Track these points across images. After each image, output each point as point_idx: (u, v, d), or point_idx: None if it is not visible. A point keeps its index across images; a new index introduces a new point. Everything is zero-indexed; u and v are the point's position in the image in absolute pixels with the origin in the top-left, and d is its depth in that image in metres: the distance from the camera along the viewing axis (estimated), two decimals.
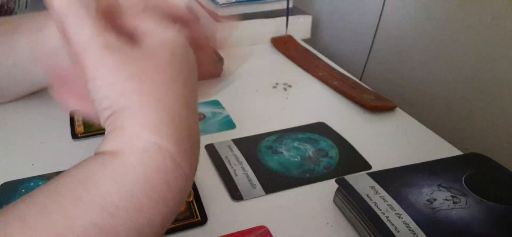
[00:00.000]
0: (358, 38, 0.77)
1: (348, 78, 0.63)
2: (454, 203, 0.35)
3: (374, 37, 0.73)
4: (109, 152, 0.23)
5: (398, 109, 0.56)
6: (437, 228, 0.33)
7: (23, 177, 0.41)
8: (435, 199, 0.36)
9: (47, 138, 0.47)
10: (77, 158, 0.43)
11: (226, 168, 0.43)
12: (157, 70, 0.24)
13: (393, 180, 0.38)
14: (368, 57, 0.75)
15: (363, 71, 0.76)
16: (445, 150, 0.48)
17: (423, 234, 0.32)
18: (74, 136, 0.47)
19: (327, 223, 0.37)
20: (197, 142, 0.26)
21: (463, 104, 0.58)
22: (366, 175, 0.39)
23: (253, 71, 0.66)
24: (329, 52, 0.81)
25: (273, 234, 0.35)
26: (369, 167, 0.44)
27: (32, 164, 0.43)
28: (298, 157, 0.45)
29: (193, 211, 0.37)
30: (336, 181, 0.38)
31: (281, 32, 0.78)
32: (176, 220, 0.36)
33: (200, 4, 0.82)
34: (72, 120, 0.50)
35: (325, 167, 0.44)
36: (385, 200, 0.35)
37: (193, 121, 0.26)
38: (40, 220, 0.20)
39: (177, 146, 0.23)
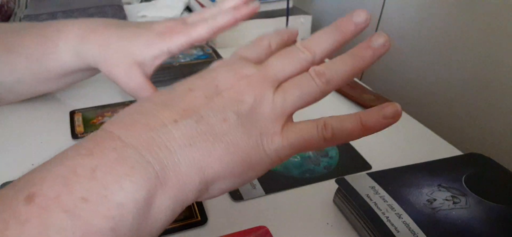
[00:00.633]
0: (358, 38, 0.77)
1: None
2: (454, 203, 0.35)
3: None
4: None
5: None
6: (437, 228, 0.33)
7: None
8: (435, 199, 0.35)
9: (47, 137, 0.47)
10: None
11: None
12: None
13: (393, 180, 0.38)
14: None
15: (363, 71, 0.76)
16: (445, 150, 0.48)
17: (423, 234, 0.32)
18: (74, 135, 0.47)
19: (327, 223, 0.37)
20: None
21: (463, 104, 0.58)
22: (366, 175, 0.38)
23: None
24: None
25: (273, 234, 0.35)
26: (369, 167, 0.44)
27: (32, 164, 0.43)
28: (298, 157, 0.45)
29: (193, 211, 0.37)
30: (336, 181, 0.38)
31: None
32: (176, 220, 0.36)
33: (200, 3, 0.82)
34: (72, 119, 0.50)
35: (325, 167, 0.44)
36: (385, 200, 0.35)
37: None
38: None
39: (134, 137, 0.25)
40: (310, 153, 0.46)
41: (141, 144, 0.24)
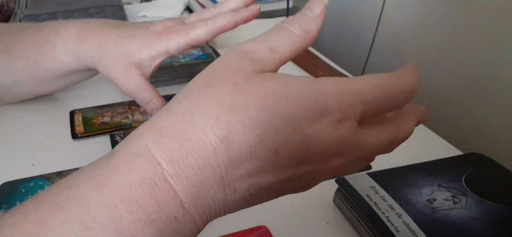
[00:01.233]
0: (358, 38, 0.77)
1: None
2: (454, 203, 0.35)
3: (374, 37, 0.73)
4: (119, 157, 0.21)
5: None
6: (437, 228, 0.33)
7: (23, 177, 0.41)
8: (435, 199, 0.35)
9: (47, 137, 0.47)
10: (77, 158, 0.44)
11: None
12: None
13: (393, 180, 0.38)
14: (368, 57, 0.75)
15: (363, 71, 0.76)
16: (445, 149, 0.48)
17: (423, 234, 0.32)
18: (74, 135, 0.47)
19: (327, 223, 0.37)
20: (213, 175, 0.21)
21: (463, 104, 0.58)
22: (366, 175, 0.38)
23: None
24: (329, 52, 0.81)
25: (273, 234, 0.35)
26: (369, 166, 0.44)
27: (32, 164, 0.43)
28: None
29: None
30: (336, 181, 0.38)
31: None
32: None
33: (200, 3, 0.83)
34: (72, 119, 0.50)
35: None
36: (385, 200, 0.35)
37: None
38: (16, 230, 0.19)
39: (177, 175, 0.20)
40: None
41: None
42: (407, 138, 0.27)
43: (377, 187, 0.37)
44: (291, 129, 0.21)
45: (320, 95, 0.22)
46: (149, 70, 0.45)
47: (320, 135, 0.21)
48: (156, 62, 0.45)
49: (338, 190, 0.38)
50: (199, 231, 0.22)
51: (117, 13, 0.77)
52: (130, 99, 0.55)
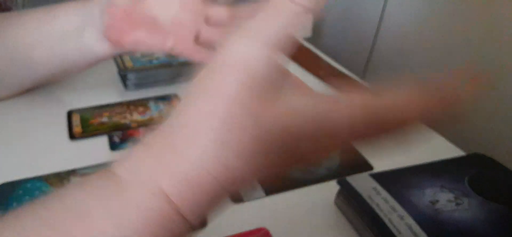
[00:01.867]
0: (360, 37, 0.76)
1: (350, 78, 0.62)
2: (457, 204, 0.35)
3: (376, 36, 0.72)
4: (118, 177, 0.20)
5: None
6: (439, 229, 0.32)
7: (21, 178, 0.40)
8: (437, 200, 0.35)
9: (44, 138, 0.47)
10: (74, 158, 0.43)
11: None
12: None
13: (395, 181, 0.37)
14: (369, 56, 0.74)
15: (364, 71, 0.76)
16: (448, 150, 0.47)
17: (426, 235, 0.32)
18: (72, 136, 0.47)
19: (329, 225, 0.37)
20: (219, 204, 0.21)
21: (466, 104, 0.58)
22: (368, 176, 0.38)
23: None
24: (330, 51, 0.80)
25: (273, 236, 0.35)
26: (371, 167, 0.44)
27: (30, 165, 0.42)
28: None
29: None
30: (337, 182, 0.38)
31: None
32: None
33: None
34: (69, 119, 0.50)
35: (326, 168, 0.43)
36: (387, 202, 0.35)
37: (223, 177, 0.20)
38: None
39: (192, 211, 0.20)
40: None
41: None
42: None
43: (379, 188, 0.36)
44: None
45: None
46: None
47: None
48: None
49: (339, 191, 0.38)
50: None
51: None
52: (129, 99, 0.54)
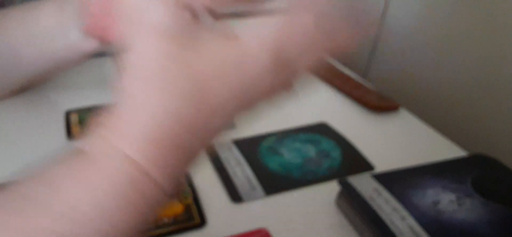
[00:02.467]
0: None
1: (351, 77, 0.62)
2: (459, 205, 0.35)
3: (377, 36, 0.72)
4: (86, 153, 0.22)
5: (401, 110, 0.55)
6: (441, 230, 0.32)
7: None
8: (439, 201, 0.35)
9: (42, 138, 0.47)
10: None
11: (226, 169, 0.42)
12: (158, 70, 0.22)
13: (397, 181, 0.37)
14: (371, 56, 0.74)
15: (366, 71, 0.75)
16: (450, 151, 0.47)
17: (427, 236, 0.31)
18: (70, 136, 0.47)
19: (330, 226, 0.36)
20: (187, 159, 0.23)
21: (468, 104, 0.57)
22: (369, 176, 0.38)
23: None
24: None
25: None
26: (372, 168, 0.43)
27: (28, 165, 0.42)
28: (299, 158, 0.44)
29: (192, 213, 0.36)
30: (338, 182, 0.37)
31: None
32: (174, 223, 0.35)
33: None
34: (68, 120, 0.50)
35: (327, 168, 0.43)
36: (388, 202, 0.34)
37: (188, 136, 0.22)
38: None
39: (158, 166, 0.21)
40: (312, 154, 0.45)
41: None
42: None
43: (381, 189, 0.36)
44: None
45: None
46: None
47: None
48: None
49: (340, 192, 0.38)
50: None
51: None
52: None
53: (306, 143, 0.47)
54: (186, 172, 0.23)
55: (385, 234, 0.32)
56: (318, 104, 0.56)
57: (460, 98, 0.59)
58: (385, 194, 0.35)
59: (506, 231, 0.33)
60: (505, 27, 0.52)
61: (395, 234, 0.32)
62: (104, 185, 0.20)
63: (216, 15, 0.35)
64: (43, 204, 0.20)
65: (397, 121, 0.53)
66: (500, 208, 0.34)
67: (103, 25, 0.46)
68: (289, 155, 0.45)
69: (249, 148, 0.46)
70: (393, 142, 0.49)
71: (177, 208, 0.37)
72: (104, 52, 0.51)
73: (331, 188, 0.39)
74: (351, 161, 0.44)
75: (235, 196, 0.39)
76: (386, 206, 0.34)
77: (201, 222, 0.36)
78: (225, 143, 0.46)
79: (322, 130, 0.49)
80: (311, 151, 0.45)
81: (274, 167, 0.43)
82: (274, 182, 0.41)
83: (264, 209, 0.38)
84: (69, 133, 0.47)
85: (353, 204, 0.36)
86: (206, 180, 0.41)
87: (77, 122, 0.49)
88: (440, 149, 0.47)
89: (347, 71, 0.65)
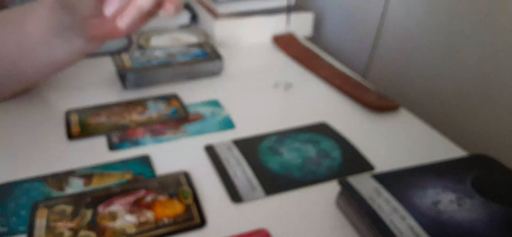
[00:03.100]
0: (361, 36, 0.76)
1: (351, 77, 0.62)
2: (459, 205, 0.35)
3: (377, 35, 0.72)
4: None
5: (401, 109, 0.55)
6: (442, 230, 0.32)
7: (19, 179, 0.40)
8: (439, 201, 0.35)
9: (42, 138, 0.47)
10: (72, 158, 0.43)
11: (226, 169, 0.42)
12: None
13: (397, 181, 0.37)
14: (371, 56, 0.74)
15: (366, 70, 0.75)
16: (450, 150, 0.47)
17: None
18: (70, 136, 0.47)
19: (330, 226, 0.36)
20: None
21: (469, 104, 0.57)
22: (369, 176, 0.38)
23: (253, 70, 0.65)
24: (331, 51, 0.80)
25: None
26: (373, 168, 0.43)
27: (28, 165, 0.42)
28: (299, 158, 0.44)
29: (191, 213, 0.36)
30: (338, 182, 0.37)
31: (282, 29, 0.77)
32: (174, 223, 0.35)
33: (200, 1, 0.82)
34: (68, 119, 0.49)
35: (327, 168, 0.43)
36: (388, 202, 0.34)
37: None
38: None
39: None
40: (312, 154, 0.45)
41: None
42: None
43: (381, 189, 0.36)
44: None
45: None
46: None
47: None
48: None
49: (340, 192, 0.38)
50: None
51: None
52: (128, 99, 0.54)
53: (306, 143, 0.47)
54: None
55: (385, 234, 0.32)
56: (318, 104, 0.56)
57: (460, 98, 0.59)
58: (385, 194, 0.35)
59: (506, 231, 0.32)
60: (505, 27, 0.52)
61: (395, 234, 0.32)
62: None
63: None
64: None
65: (397, 120, 0.53)
66: (500, 208, 0.34)
67: (105, 30, 0.46)
68: (289, 155, 0.45)
69: (249, 148, 0.46)
70: (393, 142, 0.49)
71: (177, 208, 0.37)
72: (104, 52, 0.52)
73: (331, 188, 0.39)
74: (351, 161, 0.44)
75: (235, 196, 0.39)
76: (386, 206, 0.34)
77: (201, 222, 0.36)
78: (225, 144, 0.46)
79: (322, 130, 0.49)
80: (311, 151, 0.45)
81: (274, 167, 0.43)
82: (274, 182, 0.41)
83: (264, 209, 0.38)
84: (69, 133, 0.47)
85: (353, 204, 0.36)
86: (206, 180, 0.41)
87: (77, 122, 0.49)
88: (440, 149, 0.47)
89: (347, 71, 0.65)
